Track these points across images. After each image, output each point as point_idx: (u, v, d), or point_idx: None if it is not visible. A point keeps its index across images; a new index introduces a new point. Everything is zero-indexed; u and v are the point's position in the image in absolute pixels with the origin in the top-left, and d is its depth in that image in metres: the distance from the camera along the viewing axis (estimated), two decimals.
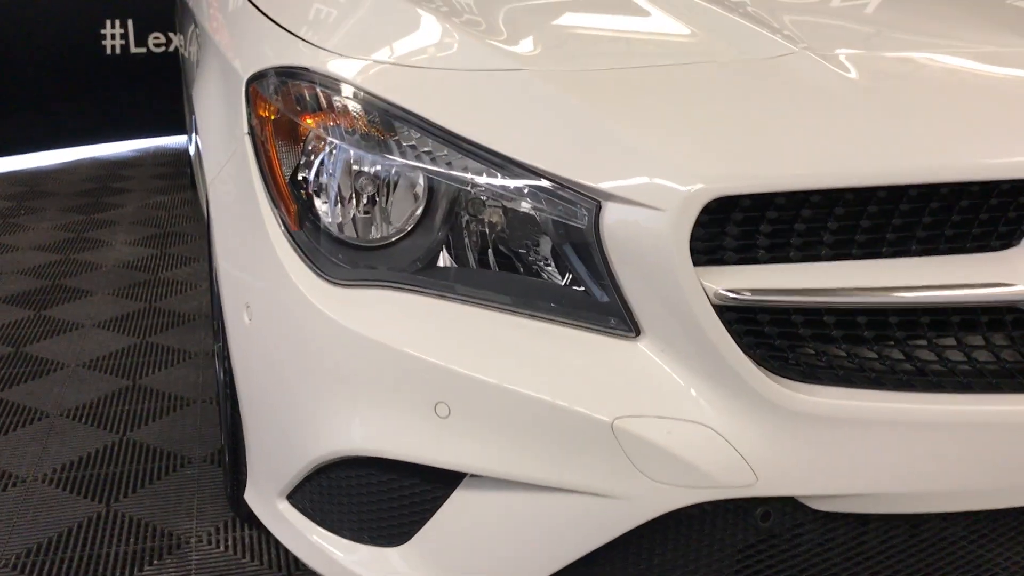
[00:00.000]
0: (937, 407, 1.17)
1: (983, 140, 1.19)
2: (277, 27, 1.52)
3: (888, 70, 1.31)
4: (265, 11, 1.61)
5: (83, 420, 2.36)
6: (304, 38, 1.45)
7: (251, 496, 1.51)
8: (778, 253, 1.15)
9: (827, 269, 1.16)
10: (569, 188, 1.16)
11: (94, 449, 2.22)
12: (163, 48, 5.30)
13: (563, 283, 1.20)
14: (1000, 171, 1.16)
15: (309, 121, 1.34)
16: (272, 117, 1.39)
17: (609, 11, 1.53)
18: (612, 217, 1.14)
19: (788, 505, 1.21)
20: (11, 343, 2.84)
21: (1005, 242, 1.20)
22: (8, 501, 2.01)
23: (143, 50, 5.35)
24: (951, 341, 1.20)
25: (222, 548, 1.85)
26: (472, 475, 1.22)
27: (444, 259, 1.27)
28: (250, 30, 1.61)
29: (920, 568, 1.28)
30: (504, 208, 1.22)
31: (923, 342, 1.19)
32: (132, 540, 1.87)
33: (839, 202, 1.14)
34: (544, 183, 1.17)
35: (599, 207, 1.15)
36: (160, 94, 5.15)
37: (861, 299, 1.15)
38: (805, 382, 1.16)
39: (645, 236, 1.12)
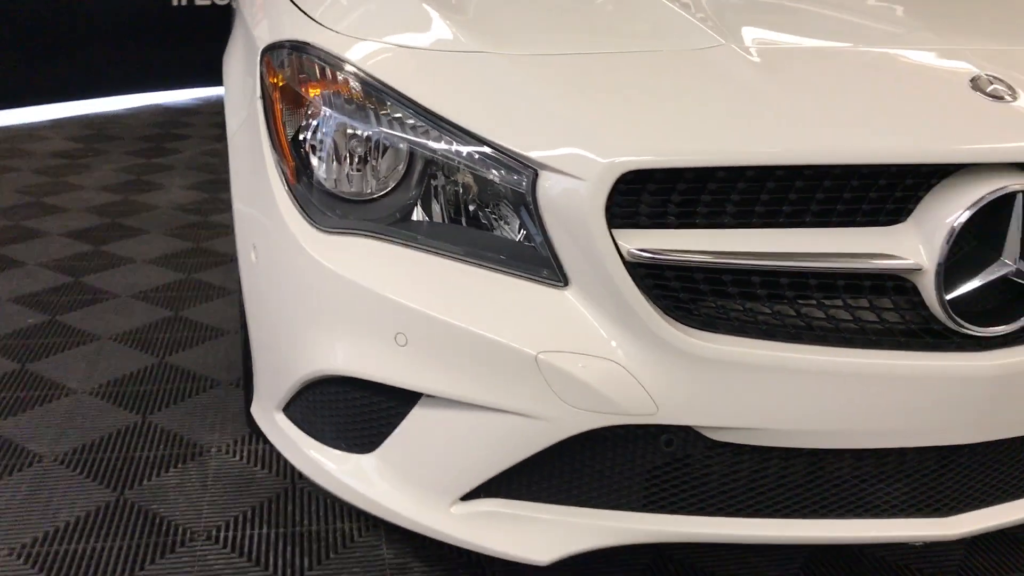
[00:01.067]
0: (820, 358, 1.37)
1: (874, 128, 1.37)
2: (294, 6, 1.75)
3: (799, 64, 1.49)
4: None
5: (128, 344, 2.65)
6: (314, 18, 1.67)
7: (255, 409, 1.77)
8: (686, 219, 1.35)
9: (729, 235, 1.35)
10: (513, 158, 1.37)
11: (136, 369, 2.51)
12: (226, 0, 5.57)
13: (507, 238, 1.42)
14: (888, 156, 1.34)
15: (309, 90, 1.57)
16: (280, 84, 1.62)
17: (574, 3, 1.72)
18: (546, 183, 1.35)
19: (687, 434, 1.42)
20: (71, 273, 3.15)
21: (893, 219, 1.39)
22: (60, 409, 2.30)
23: (207, 2, 5.63)
24: (838, 302, 1.39)
25: (238, 458, 2.12)
26: (426, 395, 1.45)
27: (417, 214, 1.50)
28: (273, 6, 1.84)
29: (809, 498, 1.49)
30: (464, 173, 1.44)
31: (812, 301, 1.38)
32: (162, 447, 2.15)
33: (741, 178, 1.34)
34: (493, 152, 1.39)
35: (535, 174, 1.36)
36: (222, 45, 5.43)
37: (756, 262, 1.35)
38: (705, 331, 1.37)
39: (571, 201, 1.33)
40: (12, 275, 3.13)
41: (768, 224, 1.37)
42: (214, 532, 1.87)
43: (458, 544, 1.50)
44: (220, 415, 2.29)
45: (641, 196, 1.34)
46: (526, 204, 1.38)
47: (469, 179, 1.44)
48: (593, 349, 1.36)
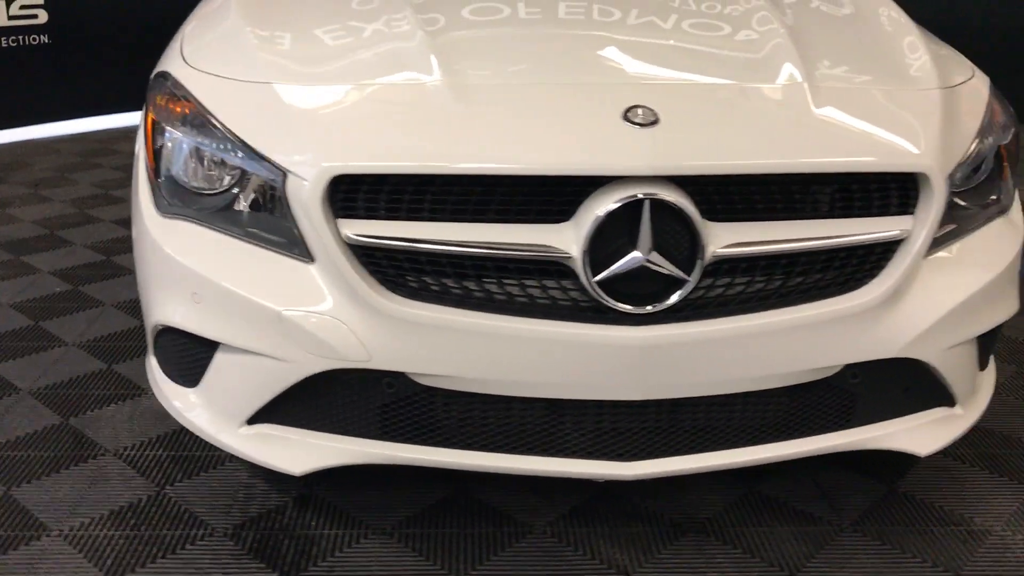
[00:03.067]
0: (499, 323, 1.75)
1: (537, 148, 1.75)
2: (179, 44, 2.25)
3: (494, 97, 1.86)
4: (185, 30, 2.34)
5: (124, 311, 3.24)
6: (183, 55, 2.16)
7: (147, 355, 2.28)
8: (394, 213, 1.76)
9: (427, 226, 1.76)
10: (274, 164, 1.82)
11: (121, 329, 3.09)
12: None
13: (276, 224, 1.86)
14: (545, 170, 1.72)
15: (166, 109, 2.06)
16: (152, 103, 2.12)
17: (363, 45, 2.12)
18: (291, 183, 1.79)
19: (401, 378, 1.83)
20: (105, 253, 3.79)
21: (560, 218, 1.76)
22: (51, 357, 2.89)
23: None
24: (514, 281, 1.78)
25: None
26: (220, 342, 1.92)
27: (238, 205, 1.95)
28: (173, 42, 2.34)
29: (511, 436, 1.87)
30: (255, 176, 1.89)
31: (493, 280, 1.77)
32: (112, 387, 2.70)
33: (433, 182, 1.75)
34: (263, 161, 1.83)
35: (285, 176, 1.80)
36: None
37: (447, 248, 1.75)
38: (410, 299, 1.78)
39: (303, 196, 1.76)
40: (60, 253, 3.79)
41: (458, 219, 1.76)
42: (121, 451, 2.40)
43: (242, 456, 1.97)
44: None
45: (358, 194, 1.77)
46: (284, 199, 1.82)
47: (260, 181, 1.88)
48: (324, 310, 1.80)
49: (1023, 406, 2.69)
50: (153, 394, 2.58)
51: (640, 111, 1.77)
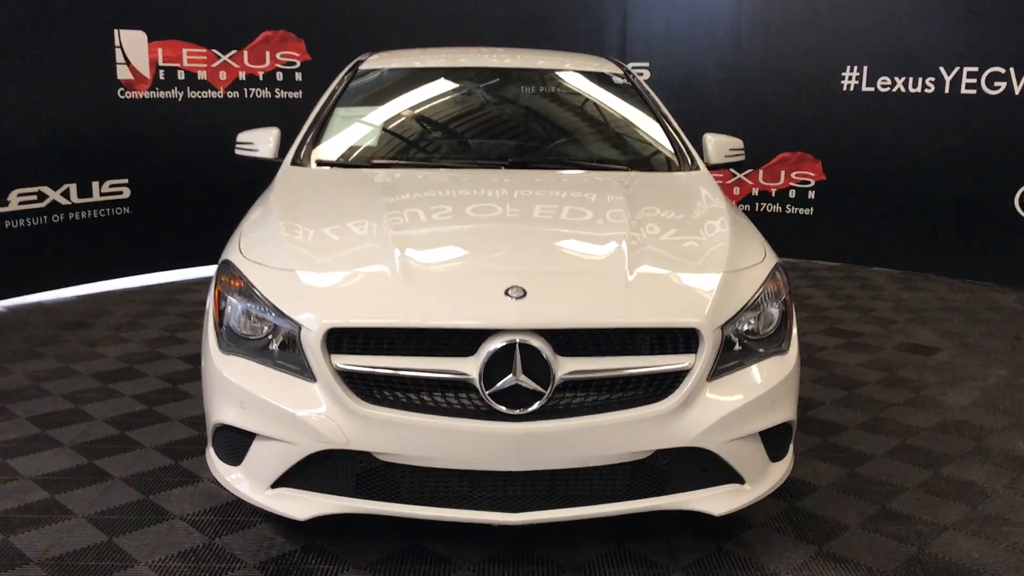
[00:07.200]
0: (431, 421, 2.82)
1: (452, 312, 2.86)
2: (238, 237, 3.42)
3: (429, 277, 3.00)
4: (242, 228, 3.53)
5: (190, 425, 4.33)
6: (240, 246, 3.33)
7: (207, 450, 3.35)
8: (367, 350, 2.86)
9: (385, 359, 2.86)
10: (293, 320, 2.94)
11: (189, 436, 4.17)
12: None
13: (296, 357, 2.96)
14: (457, 325, 2.83)
15: (226, 284, 3.20)
16: (218, 278, 3.27)
17: (350, 241, 3.30)
18: (304, 333, 2.90)
19: (368, 456, 2.89)
20: (172, 381, 4.91)
21: (469, 352, 2.85)
22: (135, 459, 3.98)
23: None
24: (439, 394, 2.86)
25: None
26: (256, 434, 3.00)
27: (272, 346, 3.06)
28: (236, 235, 3.51)
29: (445, 495, 2.91)
30: (283, 328, 3.00)
31: (426, 393, 2.86)
32: (186, 477, 3.77)
33: (387, 333, 2.85)
34: (287, 319, 2.96)
35: (300, 327, 2.92)
36: None
37: (397, 373, 2.84)
38: (376, 405, 2.86)
39: (311, 341, 2.87)
40: (137, 382, 4.92)
41: (405, 354, 2.86)
42: (186, 516, 3.45)
43: (268, 510, 3.02)
44: None
45: (344, 339, 2.88)
46: (299, 341, 2.94)
47: (284, 331, 3.00)
48: (319, 410, 2.88)
49: (842, 500, 3.66)
50: (208, 479, 3.69)
51: (515, 289, 2.88)
